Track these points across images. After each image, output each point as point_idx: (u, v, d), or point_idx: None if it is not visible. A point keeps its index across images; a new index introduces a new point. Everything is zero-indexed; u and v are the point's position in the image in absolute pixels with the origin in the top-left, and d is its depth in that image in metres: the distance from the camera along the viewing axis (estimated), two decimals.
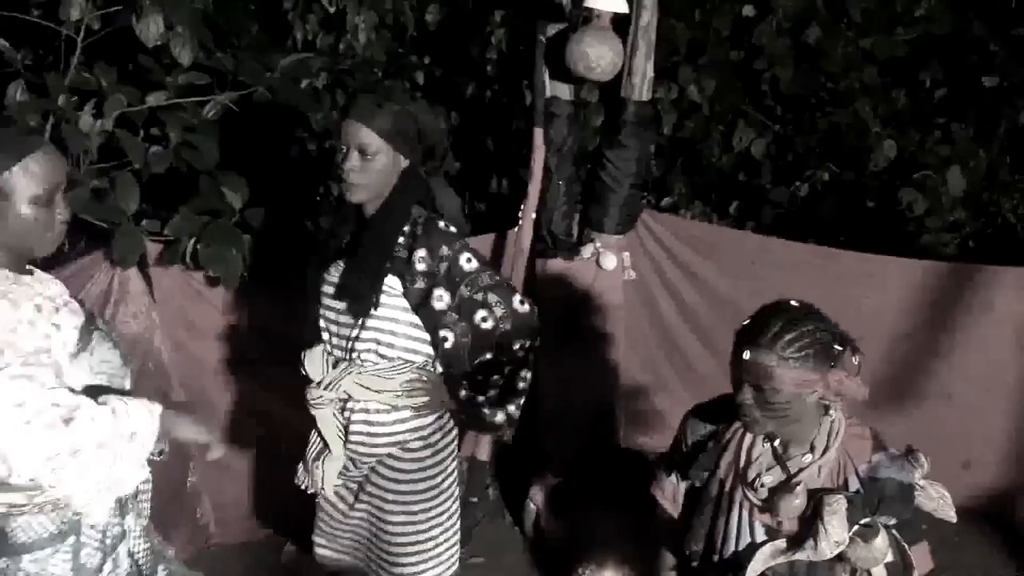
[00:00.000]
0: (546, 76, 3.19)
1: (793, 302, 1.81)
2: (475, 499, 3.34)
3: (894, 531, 1.82)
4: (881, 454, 1.86)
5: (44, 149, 1.66)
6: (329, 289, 2.19)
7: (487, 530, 3.47)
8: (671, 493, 2.07)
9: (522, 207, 3.30)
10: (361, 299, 2.11)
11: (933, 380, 3.45)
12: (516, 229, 3.33)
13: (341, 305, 2.16)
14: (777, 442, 1.89)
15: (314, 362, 2.24)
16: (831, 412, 1.85)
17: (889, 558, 1.83)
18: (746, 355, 1.74)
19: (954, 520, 1.87)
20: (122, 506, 1.76)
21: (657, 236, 3.60)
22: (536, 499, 3.42)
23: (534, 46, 3.17)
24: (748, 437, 1.91)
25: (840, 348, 1.77)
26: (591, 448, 3.49)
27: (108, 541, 1.73)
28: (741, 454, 1.92)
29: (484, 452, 3.34)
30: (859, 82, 3.99)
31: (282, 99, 2.92)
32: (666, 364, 3.76)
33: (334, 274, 2.18)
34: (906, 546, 1.83)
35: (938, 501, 1.85)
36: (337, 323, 2.20)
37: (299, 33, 3.48)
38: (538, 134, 3.21)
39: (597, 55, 2.98)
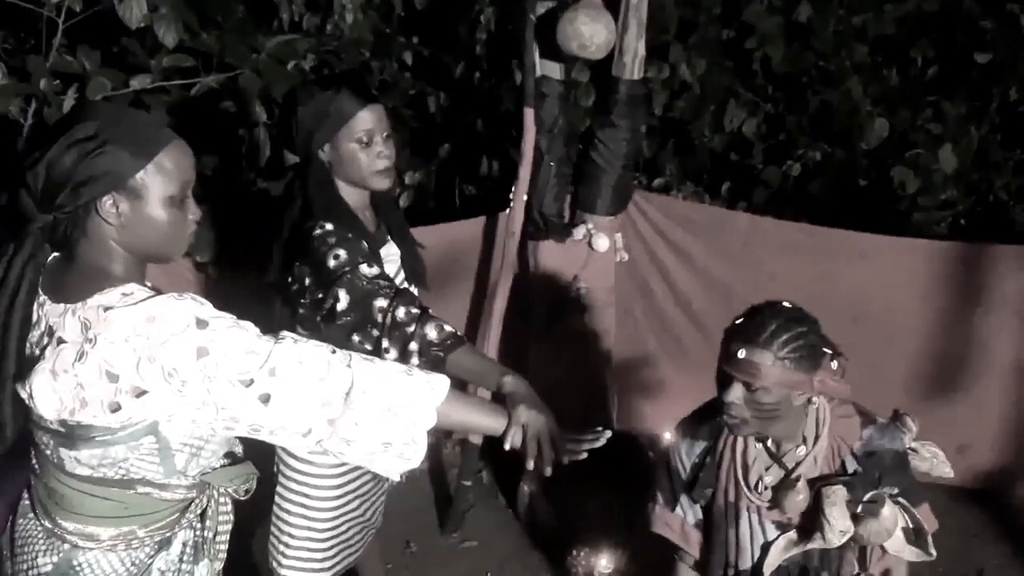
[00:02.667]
0: (536, 55, 3.16)
1: (786, 303, 1.82)
2: (468, 483, 3.33)
3: (900, 499, 1.83)
4: (870, 428, 1.87)
5: (176, 142, 1.46)
6: (392, 270, 2.19)
7: (480, 514, 3.46)
8: (679, 527, 2.06)
9: (513, 189, 3.28)
10: (424, 276, 2.27)
11: (926, 360, 3.45)
12: (507, 211, 3.31)
13: (403, 285, 2.22)
14: (769, 441, 1.90)
15: None
16: (814, 401, 1.86)
17: (901, 524, 1.84)
18: (741, 353, 1.74)
19: (951, 476, 1.89)
20: (196, 550, 1.64)
21: (649, 217, 3.58)
22: (529, 483, 3.42)
23: (523, 25, 3.13)
24: (740, 443, 1.92)
25: (827, 351, 1.80)
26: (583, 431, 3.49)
27: None
28: (737, 462, 1.92)
29: (476, 436, 3.33)
30: (850, 60, 3.97)
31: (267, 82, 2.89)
32: (658, 346, 3.76)
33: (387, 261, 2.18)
34: (914, 511, 1.84)
35: (931, 461, 1.87)
36: None
37: (285, 14, 3.42)
38: (528, 114, 3.18)
39: (591, 33, 2.95)
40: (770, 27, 3.92)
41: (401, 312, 1.91)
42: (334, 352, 1.47)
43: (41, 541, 1.55)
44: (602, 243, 3.37)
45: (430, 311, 1.95)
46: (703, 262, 3.56)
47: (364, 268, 1.96)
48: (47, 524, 1.55)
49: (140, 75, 2.74)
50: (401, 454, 1.50)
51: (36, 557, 1.55)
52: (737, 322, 1.81)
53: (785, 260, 3.40)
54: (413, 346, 1.88)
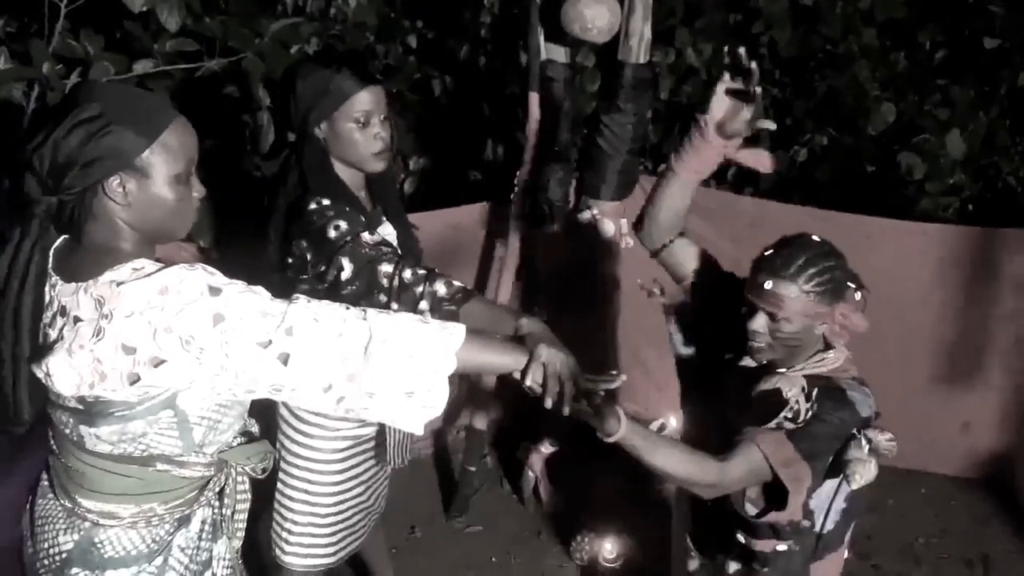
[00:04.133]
0: (541, 38, 3.13)
1: (815, 237, 1.87)
2: (472, 468, 3.33)
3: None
4: (856, 384, 1.86)
5: (179, 120, 1.45)
6: None
7: (485, 499, 3.47)
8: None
9: (517, 174, 3.26)
10: (420, 256, 2.25)
11: (932, 341, 3.45)
12: (512, 196, 3.29)
13: None
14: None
15: None
16: (829, 353, 1.89)
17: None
18: (767, 284, 1.80)
19: (853, 487, 1.81)
20: (215, 528, 1.66)
21: None
22: (534, 468, 3.42)
23: (528, 7, 3.11)
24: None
25: (851, 285, 1.85)
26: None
27: (193, 567, 1.63)
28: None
29: (481, 421, 3.33)
30: (857, 44, 3.94)
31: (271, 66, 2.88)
32: (662, 330, 3.74)
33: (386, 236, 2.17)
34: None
35: (861, 460, 1.79)
36: None
37: None
38: (533, 99, 3.16)
39: (593, 16, 2.93)
40: (777, 11, 3.90)
41: (408, 273, 1.90)
42: (348, 308, 1.49)
43: (61, 520, 1.57)
44: (607, 228, 3.36)
45: (436, 270, 1.94)
46: (710, 244, 3.54)
47: (365, 236, 1.96)
48: (67, 503, 1.56)
49: (143, 59, 2.73)
50: (424, 402, 1.50)
51: (57, 536, 1.56)
52: (766, 253, 1.86)
53: None
54: (423, 305, 1.88)
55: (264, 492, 2.06)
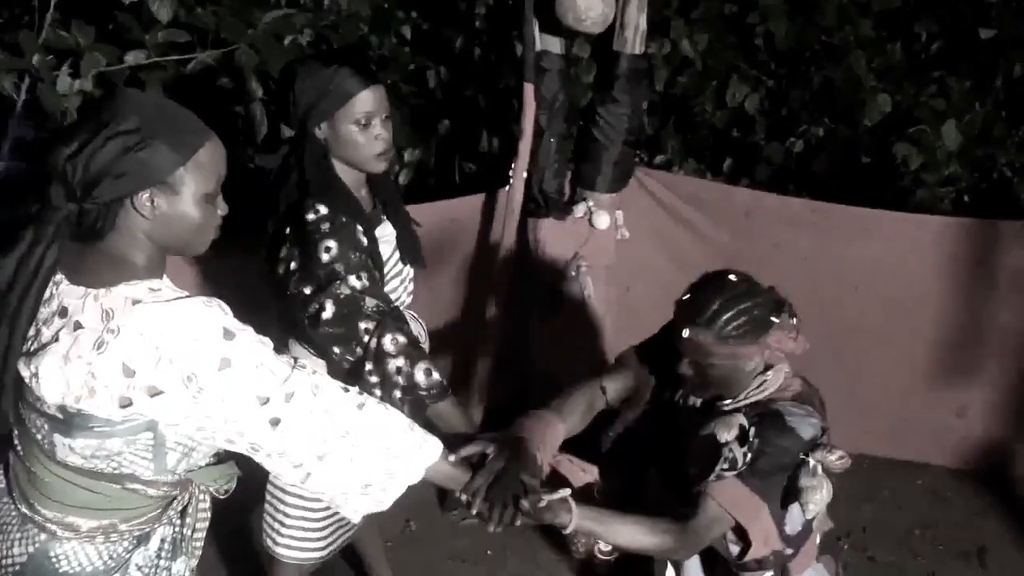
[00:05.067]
0: (536, 29, 3.12)
1: (732, 276, 1.83)
2: None
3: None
4: (796, 405, 1.83)
5: (212, 138, 1.44)
6: (387, 251, 2.17)
7: None
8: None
9: (512, 165, 3.25)
10: (420, 255, 2.24)
11: (929, 332, 3.45)
12: (507, 188, 3.28)
13: (399, 264, 2.21)
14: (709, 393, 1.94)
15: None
16: (768, 373, 1.87)
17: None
18: (685, 333, 1.79)
19: (809, 516, 1.81)
20: (175, 547, 1.63)
21: (651, 193, 3.56)
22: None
23: None
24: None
25: (776, 319, 1.80)
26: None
27: None
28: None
29: (477, 412, 3.32)
30: (853, 36, 3.93)
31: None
32: (660, 321, 3.74)
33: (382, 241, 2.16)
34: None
35: (811, 487, 1.76)
36: (399, 280, 2.24)
37: None
38: (528, 90, 3.15)
39: (586, 5, 2.92)
40: (773, 2, 3.89)
41: (387, 340, 1.91)
42: (347, 391, 1.52)
43: (15, 529, 1.53)
44: (603, 220, 3.35)
45: (422, 344, 1.95)
46: (707, 234, 3.55)
47: (353, 280, 1.94)
48: (24, 509, 1.52)
49: (135, 51, 2.71)
50: (375, 498, 1.58)
51: (12, 547, 1.53)
52: (684, 298, 1.84)
53: (789, 231, 3.41)
54: (399, 380, 1.91)
55: (256, 484, 2.05)
